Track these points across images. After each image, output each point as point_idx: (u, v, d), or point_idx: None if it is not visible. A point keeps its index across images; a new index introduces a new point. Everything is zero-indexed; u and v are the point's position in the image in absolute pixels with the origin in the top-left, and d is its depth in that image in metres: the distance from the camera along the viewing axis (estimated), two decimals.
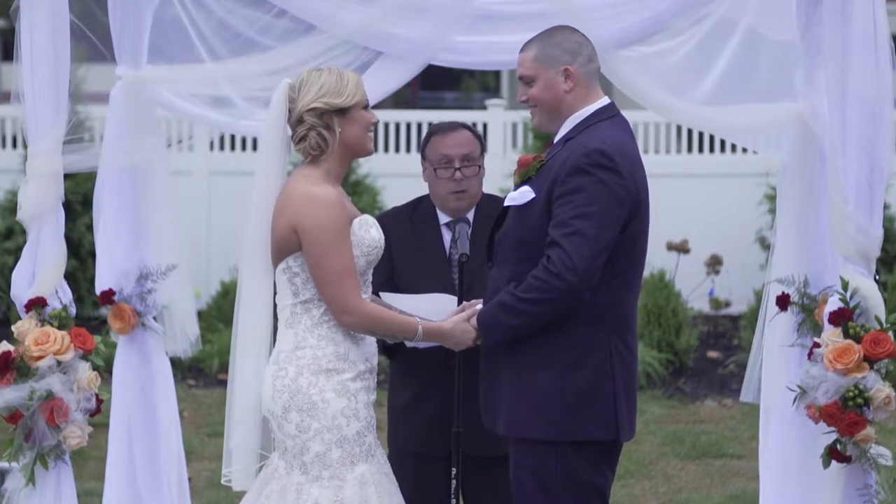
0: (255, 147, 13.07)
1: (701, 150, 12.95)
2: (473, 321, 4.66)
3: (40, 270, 4.88)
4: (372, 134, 4.69)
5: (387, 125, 13.03)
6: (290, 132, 4.66)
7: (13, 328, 4.86)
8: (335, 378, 4.56)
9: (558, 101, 4.64)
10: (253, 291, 4.70)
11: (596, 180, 4.48)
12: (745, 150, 12.80)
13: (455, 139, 5.17)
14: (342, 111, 4.59)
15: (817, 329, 4.97)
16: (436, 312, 4.78)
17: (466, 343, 4.69)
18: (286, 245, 4.59)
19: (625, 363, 4.61)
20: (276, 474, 4.63)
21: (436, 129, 5.27)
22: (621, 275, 4.60)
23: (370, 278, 4.69)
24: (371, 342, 4.69)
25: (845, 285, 4.63)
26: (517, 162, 4.74)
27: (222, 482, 4.83)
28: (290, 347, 4.60)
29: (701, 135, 12.82)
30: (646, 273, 11.92)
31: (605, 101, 4.68)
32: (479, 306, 4.69)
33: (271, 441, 4.71)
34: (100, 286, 5.31)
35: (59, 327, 4.84)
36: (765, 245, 11.49)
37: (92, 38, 5.05)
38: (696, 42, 5.15)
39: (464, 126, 5.27)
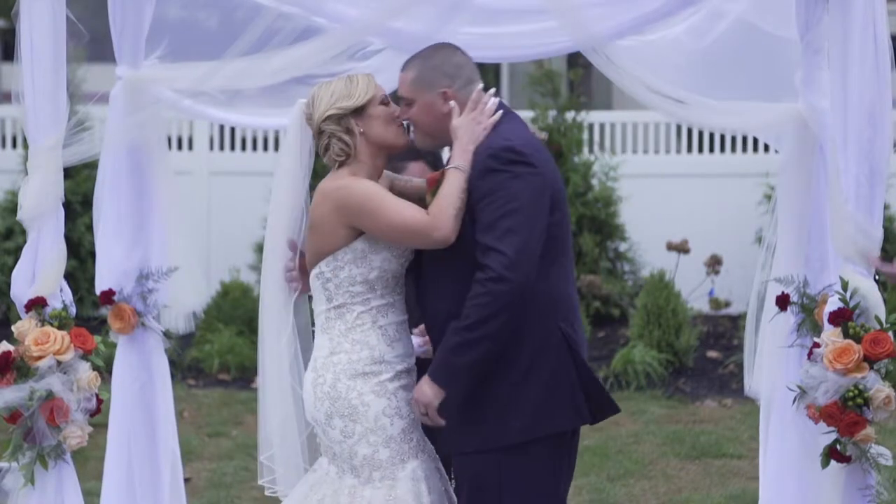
0: (255, 147, 13.11)
1: (701, 150, 12.97)
2: (419, 390, 4.52)
3: (40, 270, 4.88)
4: (400, 126, 4.68)
5: None
6: (312, 148, 4.74)
7: (13, 328, 4.86)
8: (372, 380, 4.58)
9: (437, 123, 4.61)
10: (274, 301, 4.79)
11: (511, 176, 4.46)
12: (744, 150, 12.85)
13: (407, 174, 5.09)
14: (357, 111, 4.63)
15: (817, 329, 4.97)
16: None
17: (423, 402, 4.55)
18: (331, 243, 4.58)
19: (576, 345, 4.59)
20: (326, 479, 4.66)
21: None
22: (553, 264, 4.56)
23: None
24: (407, 342, 4.69)
25: (845, 285, 4.62)
26: (426, 181, 4.68)
27: (267, 493, 4.91)
28: (326, 353, 4.63)
29: (701, 134, 12.84)
30: (646, 273, 12.00)
31: (493, 102, 4.63)
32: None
33: (310, 451, 4.81)
34: (100, 286, 5.31)
35: (59, 327, 4.84)
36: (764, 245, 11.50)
37: (84, 33, 5.04)
38: (694, 37, 5.16)
39: (418, 156, 5.19)
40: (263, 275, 4.88)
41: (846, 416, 4.53)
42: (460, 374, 4.48)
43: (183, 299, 5.45)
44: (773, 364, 5.20)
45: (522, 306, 4.46)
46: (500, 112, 4.63)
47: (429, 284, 4.66)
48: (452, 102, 4.59)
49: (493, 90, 4.66)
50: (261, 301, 4.91)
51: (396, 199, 4.56)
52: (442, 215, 4.46)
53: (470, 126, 4.54)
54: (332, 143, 4.64)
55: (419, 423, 4.63)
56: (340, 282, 4.60)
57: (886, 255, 10.94)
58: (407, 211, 4.51)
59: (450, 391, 4.49)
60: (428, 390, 4.50)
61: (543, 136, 4.79)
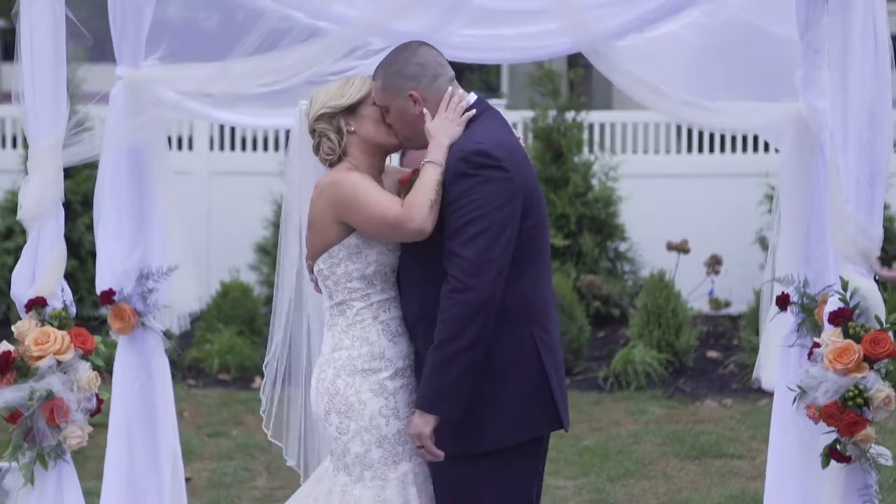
0: (255, 147, 13.11)
1: (701, 150, 12.97)
2: (411, 423, 4.50)
3: (40, 270, 4.89)
4: (391, 126, 4.68)
5: None
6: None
7: (13, 328, 4.86)
8: (371, 378, 4.58)
9: (413, 125, 4.60)
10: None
11: (481, 180, 4.41)
12: (744, 150, 12.85)
13: None
14: (349, 110, 4.66)
15: (817, 329, 4.97)
16: None
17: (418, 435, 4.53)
18: (325, 239, 4.61)
19: (550, 350, 4.57)
20: (324, 476, 4.69)
21: None
22: (527, 269, 4.52)
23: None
24: (406, 340, 4.68)
25: (845, 285, 4.63)
26: (398, 181, 4.69)
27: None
28: (329, 349, 4.65)
29: (701, 134, 12.84)
30: (646, 273, 11.99)
31: (471, 98, 4.63)
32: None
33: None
34: (100, 286, 5.31)
35: (59, 327, 4.84)
36: (765, 245, 11.50)
37: (88, 36, 5.05)
38: (693, 30, 5.16)
39: None
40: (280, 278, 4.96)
41: (846, 416, 4.53)
42: (446, 395, 4.42)
43: (178, 300, 5.45)
44: (775, 363, 5.21)
45: (497, 312, 4.41)
46: (475, 109, 4.60)
47: (401, 286, 4.66)
48: (424, 110, 4.57)
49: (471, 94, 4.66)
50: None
51: (380, 193, 4.56)
52: (415, 207, 4.44)
53: (444, 124, 4.54)
54: (322, 141, 4.68)
55: None
56: (338, 278, 4.62)
57: (886, 255, 10.95)
58: (384, 203, 4.51)
59: (440, 414, 4.43)
60: (417, 420, 4.45)
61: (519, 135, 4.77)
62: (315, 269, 4.68)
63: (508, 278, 4.43)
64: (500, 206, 4.40)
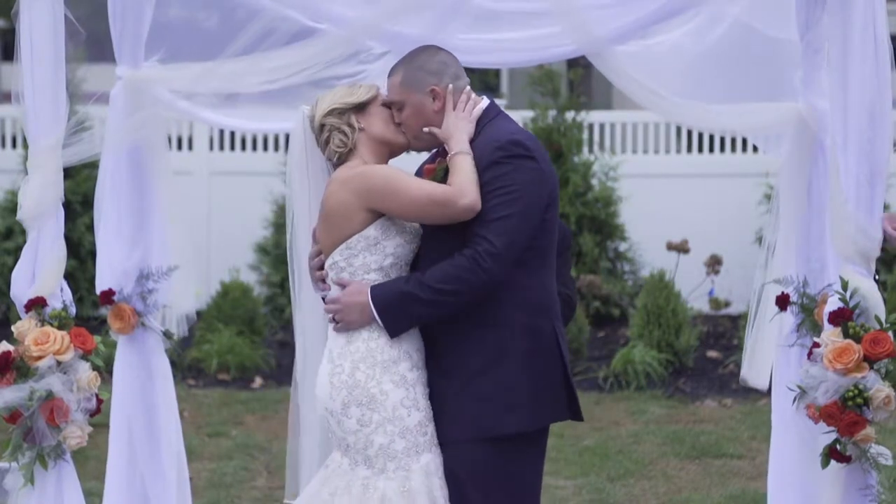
0: (255, 147, 13.11)
1: (701, 150, 12.98)
2: (358, 293, 4.59)
3: (40, 270, 4.89)
4: (400, 126, 4.73)
5: None
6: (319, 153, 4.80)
7: (13, 328, 4.86)
8: (392, 369, 4.59)
9: (429, 122, 4.68)
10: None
11: (514, 168, 4.54)
12: (744, 150, 12.85)
13: None
14: (359, 107, 4.71)
15: (817, 329, 4.97)
16: None
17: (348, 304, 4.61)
18: (345, 230, 4.61)
19: (564, 341, 4.69)
20: (338, 472, 4.66)
21: None
22: (546, 260, 4.64)
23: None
24: (418, 333, 4.69)
25: (845, 285, 4.63)
26: (423, 171, 4.75)
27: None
28: (343, 343, 4.64)
29: (701, 135, 12.85)
30: (646, 273, 12.00)
31: (486, 101, 4.74)
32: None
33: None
34: (100, 286, 5.31)
35: (59, 327, 4.84)
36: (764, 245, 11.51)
37: (81, 32, 5.05)
38: (693, 37, 5.17)
39: None
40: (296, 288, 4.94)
41: (846, 416, 4.53)
42: (406, 323, 4.57)
43: (178, 302, 5.45)
44: (776, 362, 5.21)
45: (523, 301, 4.54)
46: (486, 104, 4.70)
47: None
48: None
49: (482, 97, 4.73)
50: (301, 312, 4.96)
51: (415, 178, 4.64)
52: (465, 185, 4.52)
53: (458, 122, 4.64)
54: (332, 135, 4.71)
55: (432, 418, 4.64)
56: (355, 270, 4.63)
57: (886, 255, 10.95)
58: (429, 185, 4.58)
59: (386, 327, 4.56)
60: (359, 297, 4.56)
61: None
62: (329, 262, 4.68)
63: (533, 268, 4.56)
64: (531, 193, 4.54)
